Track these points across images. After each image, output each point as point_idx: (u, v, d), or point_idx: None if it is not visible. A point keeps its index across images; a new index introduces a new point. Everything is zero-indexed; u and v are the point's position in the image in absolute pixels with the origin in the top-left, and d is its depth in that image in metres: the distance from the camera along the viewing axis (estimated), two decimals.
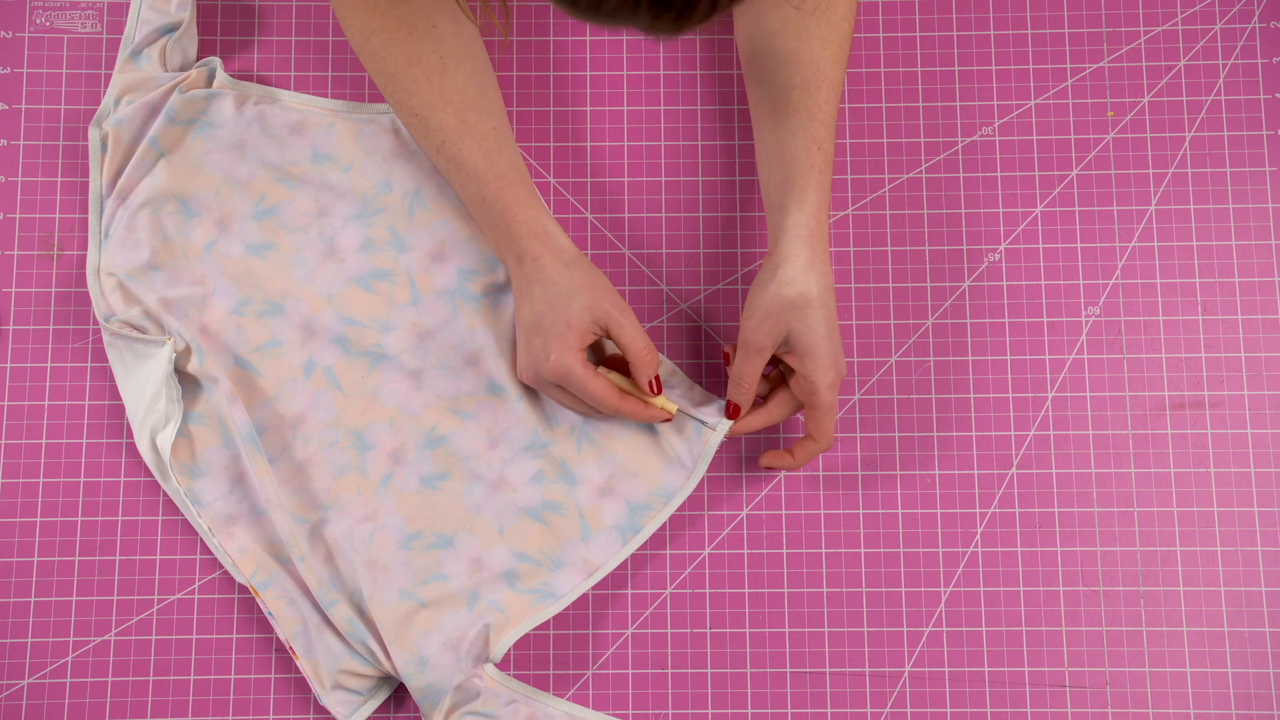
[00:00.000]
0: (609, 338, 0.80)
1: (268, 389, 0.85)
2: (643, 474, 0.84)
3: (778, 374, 0.84)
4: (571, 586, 0.83)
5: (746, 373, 0.81)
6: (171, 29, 0.88)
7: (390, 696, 0.84)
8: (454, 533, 0.84)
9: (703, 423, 0.83)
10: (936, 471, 0.87)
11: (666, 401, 0.82)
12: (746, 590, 0.86)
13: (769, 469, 0.85)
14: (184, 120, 0.87)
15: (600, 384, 0.79)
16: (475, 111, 0.82)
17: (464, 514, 0.84)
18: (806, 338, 0.78)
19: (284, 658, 0.85)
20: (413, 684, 0.80)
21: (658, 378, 0.81)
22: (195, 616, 0.85)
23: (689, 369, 0.88)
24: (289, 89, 0.90)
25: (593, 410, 0.82)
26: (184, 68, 0.88)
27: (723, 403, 0.84)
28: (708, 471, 0.87)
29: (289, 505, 0.83)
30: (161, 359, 0.83)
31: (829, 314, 0.78)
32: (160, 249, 0.86)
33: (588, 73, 0.91)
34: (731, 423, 0.82)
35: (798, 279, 0.78)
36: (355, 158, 0.88)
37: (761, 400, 0.84)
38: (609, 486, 0.84)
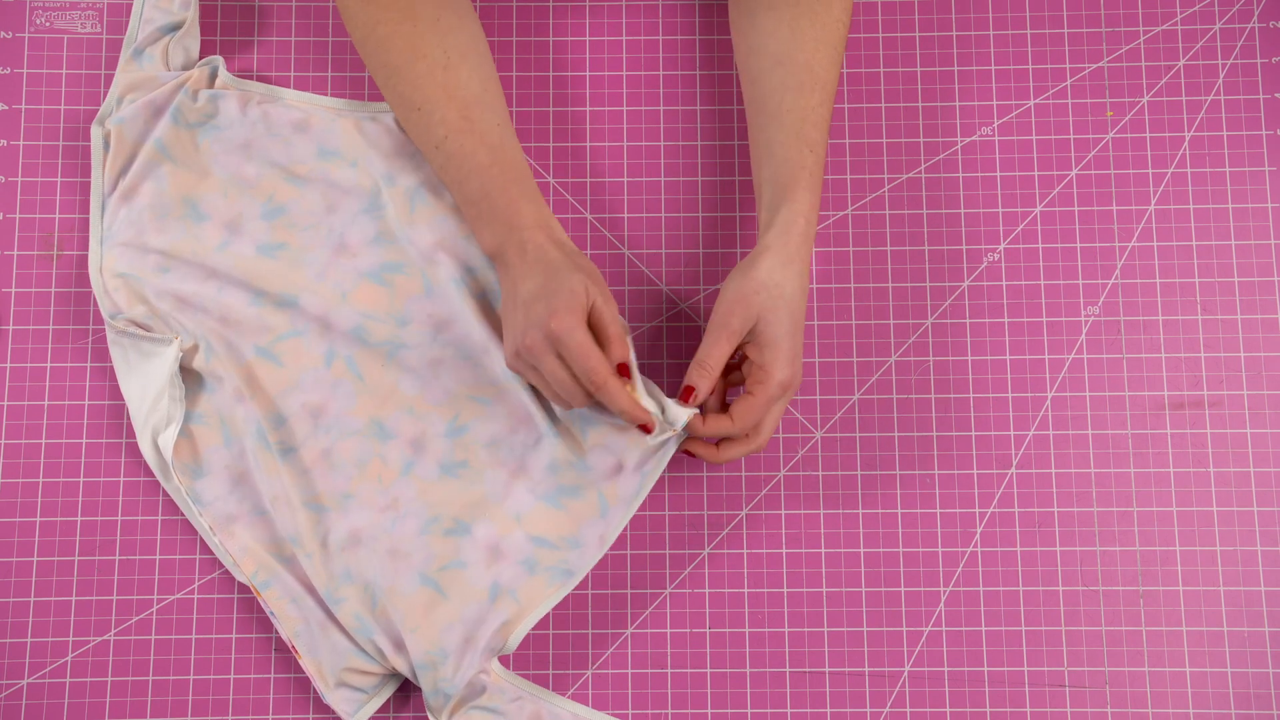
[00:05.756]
0: (591, 321, 0.77)
1: (289, 379, 0.85)
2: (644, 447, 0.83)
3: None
4: (586, 561, 0.82)
5: (712, 355, 0.78)
6: (174, 28, 0.88)
7: (393, 694, 0.84)
8: (472, 520, 0.83)
9: (666, 423, 0.79)
10: (936, 471, 0.87)
11: (644, 397, 0.79)
12: (746, 590, 0.86)
13: (688, 454, 0.82)
14: (190, 123, 0.87)
15: (598, 353, 0.76)
16: (479, 107, 0.82)
17: (483, 501, 0.84)
18: (772, 329, 0.78)
19: (284, 657, 0.85)
20: (425, 676, 0.80)
21: (624, 364, 0.78)
22: (195, 616, 0.85)
23: (687, 368, 0.88)
24: (290, 88, 0.90)
25: (574, 387, 0.77)
26: (186, 67, 0.89)
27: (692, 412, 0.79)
28: (706, 471, 0.87)
29: (308, 495, 0.83)
30: (168, 358, 0.83)
31: (797, 313, 0.78)
32: (170, 250, 0.86)
33: (587, 73, 0.91)
34: (693, 411, 0.79)
35: (776, 271, 0.78)
36: (360, 152, 0.88)
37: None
38: (620, 464, 0.83)
